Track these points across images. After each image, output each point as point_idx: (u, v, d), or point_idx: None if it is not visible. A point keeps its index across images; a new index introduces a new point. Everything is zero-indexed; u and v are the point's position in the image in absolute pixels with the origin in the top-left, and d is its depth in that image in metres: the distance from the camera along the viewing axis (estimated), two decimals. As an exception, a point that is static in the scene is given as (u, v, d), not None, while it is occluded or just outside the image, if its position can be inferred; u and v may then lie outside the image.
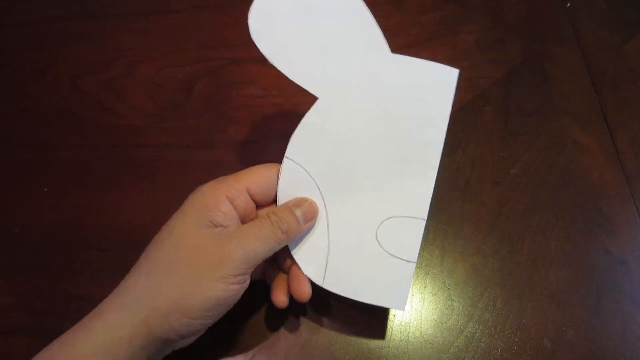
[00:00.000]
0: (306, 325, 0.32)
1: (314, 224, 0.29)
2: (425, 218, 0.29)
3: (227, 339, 0.32)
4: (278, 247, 0.27)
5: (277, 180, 0.29)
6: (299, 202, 0.29)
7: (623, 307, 0.33)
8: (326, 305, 0.33)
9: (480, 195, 0.37)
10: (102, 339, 0.24)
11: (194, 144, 0.40)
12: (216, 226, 0.26)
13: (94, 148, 0.40)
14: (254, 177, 0.28)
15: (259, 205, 0.30)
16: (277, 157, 0.29)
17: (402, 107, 0.28)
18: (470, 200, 0.37)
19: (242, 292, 0.27)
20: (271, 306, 0.31)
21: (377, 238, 0.29)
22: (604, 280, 0.34)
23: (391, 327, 0.32)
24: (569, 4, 0.46)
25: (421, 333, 0.32)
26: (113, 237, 0.36)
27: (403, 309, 0.29)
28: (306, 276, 0.29)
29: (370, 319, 0.32)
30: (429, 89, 0.27)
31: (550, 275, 0.34)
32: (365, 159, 0.29)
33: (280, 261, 0.31)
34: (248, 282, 0.27)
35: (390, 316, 0.33)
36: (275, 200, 0.30)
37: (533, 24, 0.46)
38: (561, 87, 0.42)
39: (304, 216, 0.28)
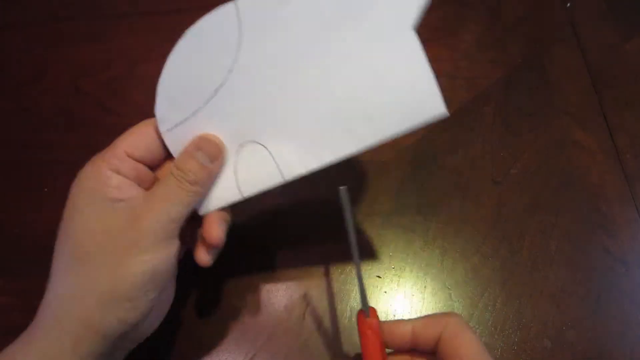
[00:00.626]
0: (306, 325, 0.32)
1: (224, 159, 0.26)
2: (283, 181, 0.26)
3: (228, 339, 0.32)
4: (195, 200, 0.25)
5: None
6: (199, 144, 0.26)
7: (623, 307, 0.33)
8: (326, 306, 0.33)
9: (480, 195, 0.37)
10: (42, 352, 0.22)
11: (194, 144, 0.40)
12: (115, 203, 0.24)
13: (94, 148, 0.40)
14: (131, 140, 0.26)
15: (151, 167, 0.27)
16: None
17: (370, 79, 0.24)
18: (470, 200, 0.37)
19: (174, 253, 0.25)
20: (270, 307, 0.31)
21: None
22: (604, 280, 0.34)
23: (391, 327, 0.32)
24: (569, 4, 0.46)
25: (421, 333, 0.32)
26: (113, 237, 0.36)
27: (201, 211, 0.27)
28: (217, 220, 0.26)
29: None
30: (405, 96, 0.23)
31: (550, 275, 0.34)
32: (297, 79, 0.25)
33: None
34: (177, 243, 0.25)
35: (391, 317, 0.33)
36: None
37: (533, 24, 0.45)
38: (561, 87, 0.42)
39: (209, 157, 0.26)
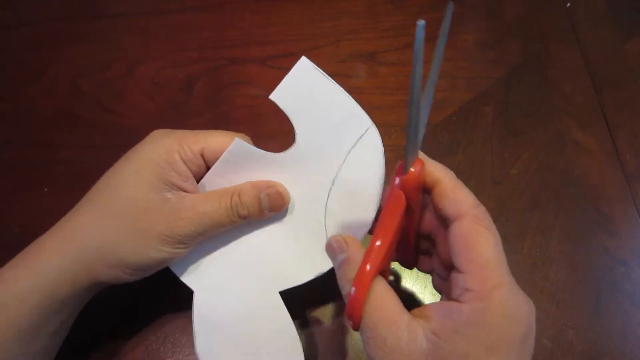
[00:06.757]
0: (306, 325, 0.32)
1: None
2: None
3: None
4: (232, 227, 0.27)
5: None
6: (269, 187, 0.27)
7: (623, 307, 0.33)
8: (326, 306, 0.33)
9: (480, 195, 0.37)
10: (45, 279, 0.24)
11: (194, 144, 0.40)
12: (170, 188, 0.26)
13: (94, 148, 0.40)
14: (212, 141, 0.27)
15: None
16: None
17: None
18: (470, 200, 0.37)
19: (187, 251, 0.27)
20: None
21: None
22: (604, 280, 0.34)
23: (391, 327, 0.32)
24: (569, 4, 0.46)
25: (421, 333, 0.32)
26: (113, 237, 0.36)
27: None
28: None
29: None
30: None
31: (550, 275, 0.34)
32: None
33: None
34: (196, 243, 0.27)
35: (390, 316, 0.33)
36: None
37: (533, 24, 0.46)
38: (561, 87, 0.42)
39: (270, 205, 0.27)
